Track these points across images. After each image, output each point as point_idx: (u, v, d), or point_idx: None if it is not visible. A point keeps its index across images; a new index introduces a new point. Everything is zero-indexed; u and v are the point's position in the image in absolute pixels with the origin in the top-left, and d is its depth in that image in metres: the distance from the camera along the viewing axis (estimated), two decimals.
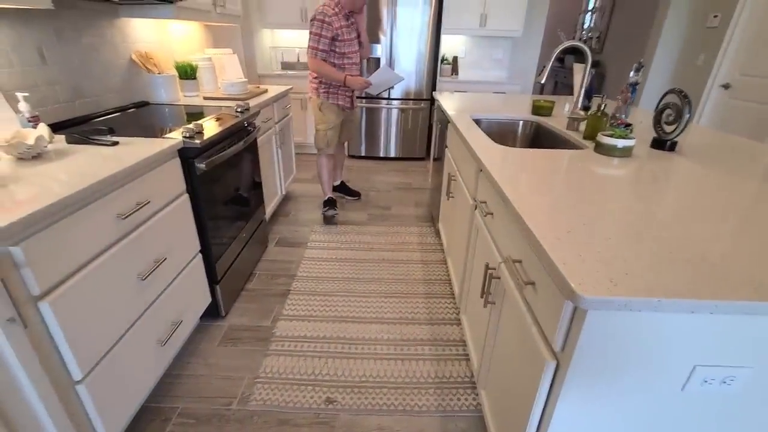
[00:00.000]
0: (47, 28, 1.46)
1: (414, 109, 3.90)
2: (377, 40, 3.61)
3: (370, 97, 3.72)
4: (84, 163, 1.09)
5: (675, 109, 1.37)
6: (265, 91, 2.52)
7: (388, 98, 3.85)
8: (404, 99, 3.86)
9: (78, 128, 1.43)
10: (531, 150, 1.37)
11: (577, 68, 2.00)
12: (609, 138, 1.32)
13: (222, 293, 1.71)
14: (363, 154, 4.09)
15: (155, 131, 1.49)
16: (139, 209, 1.13)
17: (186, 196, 1.42)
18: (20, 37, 1.36)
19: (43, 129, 1.14)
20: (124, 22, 1.88)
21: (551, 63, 1.67)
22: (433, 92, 2.77)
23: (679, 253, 0.73)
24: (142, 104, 1.97)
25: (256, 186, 2.14)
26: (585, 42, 5.75)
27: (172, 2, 1.76)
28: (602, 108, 1.51)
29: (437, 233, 2.49)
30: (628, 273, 0.67)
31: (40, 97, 1.44)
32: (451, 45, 4.12)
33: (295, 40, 4.11)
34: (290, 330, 1.70)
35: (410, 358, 1.57)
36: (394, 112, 3.90)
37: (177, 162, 1.36)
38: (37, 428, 0.89)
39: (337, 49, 2.30)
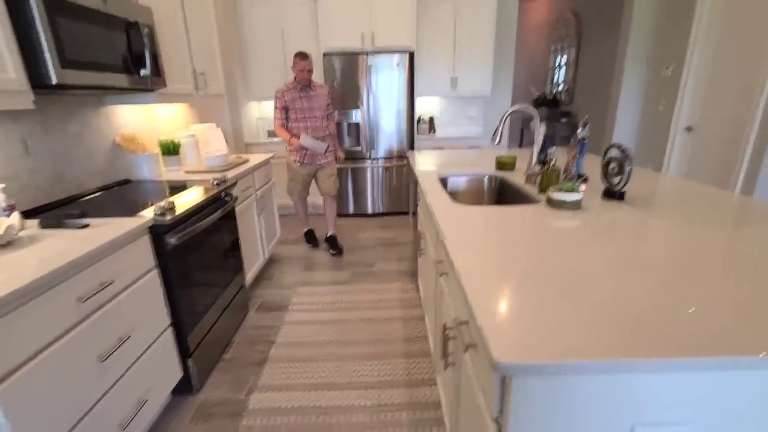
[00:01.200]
0: (33, 122, 1.58)
1: (397, 166, 4.06)
2: (356, 105, 3.85)
3: (353, 158, 3.90)
4: (52, 248, 1.14)
5: (617, 162, 1.45)
6: (246, 160, 2.66)
7: (371, 158, 4.02)
8: (387, 157, 4.04)
9: (53, 213, 1.49)
10: (484, 207, 1.43)
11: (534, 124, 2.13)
12: (558, 193, 1.39)
13: (195, 366, 1.69)
14: (351, 212, 4.19)
15: (131, 209, 1.54)
16: (101, 290, 1.16)
17: (155, 272, 1.46)
18: (6, 132, 1.47)
19: (14, 218, 1.20)
20: (110, 109, 2.03)
21: (502, 124, 1.79)
22: (408, 152, 2.91)
23: (609, 310, 0.75)
24: (125, 182, 2.08)
25: (235, 253, 2.18)
26: (555, 95, 6.12)
27: (152, 90, 1.92)
28: (552, 163, 1.60)
29: (418, 288, 2.49)
30: (554, 335, 0.69)
31: (21, 184, 1.52)
32: (427, 105, 4.38)
33: None
34: (264, 402, 1.65)
35: (386, 426, 1.51)
36: (379, 170, 4.06)
37: (146, 239, 1.41)
38: None
39: (291, 115, 2.91)
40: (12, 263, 1.03)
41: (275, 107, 2.90)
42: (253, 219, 2.59)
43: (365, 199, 4.17)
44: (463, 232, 1.19)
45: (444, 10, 3.85)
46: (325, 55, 3.76)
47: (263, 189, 2.81)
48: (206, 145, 2.75)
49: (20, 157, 1.52)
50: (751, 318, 0.72)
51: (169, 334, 1.54)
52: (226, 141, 4.07)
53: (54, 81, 1.29)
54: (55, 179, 1.69)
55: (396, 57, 3.72)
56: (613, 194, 1.49)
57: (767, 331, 0.68)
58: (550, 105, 6.13)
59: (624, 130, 4.40)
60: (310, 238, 3.40)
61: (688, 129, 3.68)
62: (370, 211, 4.21)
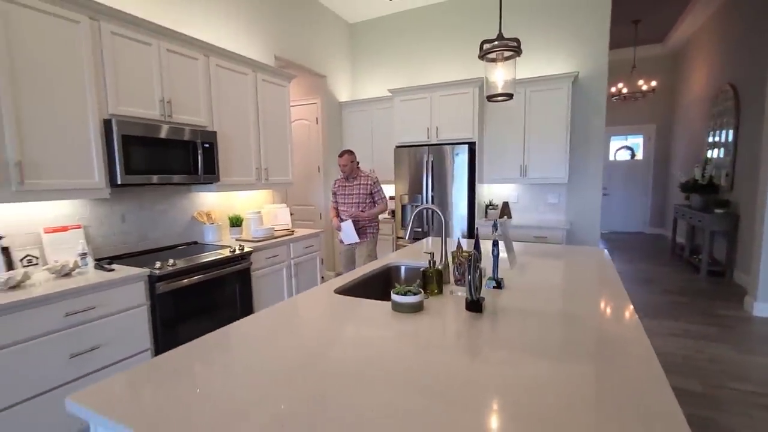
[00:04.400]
0: (131, 203, 2.58)
1: None
2: (420, 191, 4.15)
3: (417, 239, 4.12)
4: (76, 281, 1.89)
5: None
6: (291, 233, 3.29)
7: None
8: None
9: (105, 260, 2.33)
10: (355, 299, 1.53)
11: None
12: (395, 294, 1.39)
13: None
14: None
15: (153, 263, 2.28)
16: (83, 311, 1.82)
17: (144, 308, 2.10)
18: (112, 208, 2.47)
19: (73, 259, 2.04)
20: (195, 194, 3.01)
21: (412, 220, 1.81)
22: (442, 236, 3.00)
23: None
24: (193, 243, 2.96)
25: (244, 303, 2.71)
26: (711, 179, 4.88)
27: (210, 183, 2.78)
28: (442, 262, 1.56)
29: None
30: None
31: (114, 241, 2.48)
32: (501, 190, 4.29)
33: None
34: None
35: None
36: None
37: (141, 284, 2.08)
38: None
39: (338, 199, 3.47)
40: (46, 285, 1.80)
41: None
42: (281, 281, 3.13)
43: None
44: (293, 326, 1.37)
45: (515, 97, 3.89)
46: (397, 147, 4.29)
47: (304, 257, 3.36)
48: (273, 219, 3.55)
49: (117, 224, 2.50)
50: None
51: (147, 356, 2.12)
52: (320, 216, 4.92)
53: (119, 182, 2.18)
54: (140, 239, 2.64)
55: (457, 147, 3.92)
56: (471, 304, 1.36)
57: None
58: (702, 191, 4.90)
59: None
60: None
61: None
62: None
